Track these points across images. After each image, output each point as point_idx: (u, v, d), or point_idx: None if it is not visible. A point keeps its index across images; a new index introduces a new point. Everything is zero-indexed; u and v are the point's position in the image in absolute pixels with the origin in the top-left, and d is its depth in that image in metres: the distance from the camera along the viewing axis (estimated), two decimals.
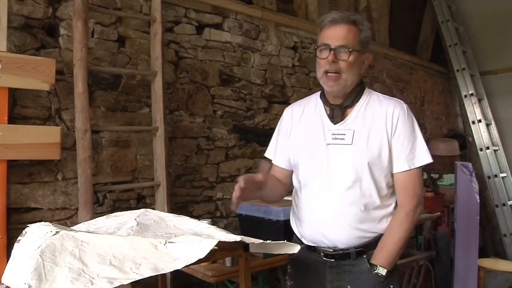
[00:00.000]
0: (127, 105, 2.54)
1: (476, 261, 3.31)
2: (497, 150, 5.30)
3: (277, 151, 1.78)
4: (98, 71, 2.38)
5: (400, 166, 1.56)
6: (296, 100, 3.44)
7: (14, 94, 2.10)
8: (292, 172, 1.74)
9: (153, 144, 2.50)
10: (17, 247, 1.08)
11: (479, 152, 5.19)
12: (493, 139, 5.34)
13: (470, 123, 5.28)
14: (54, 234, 1.06)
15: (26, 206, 2.15)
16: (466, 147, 5.38)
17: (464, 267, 3.32)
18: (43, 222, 1.17)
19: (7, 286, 0.98)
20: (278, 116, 3.34)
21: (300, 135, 1.68)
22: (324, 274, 1.60)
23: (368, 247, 1.57)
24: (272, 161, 1.80)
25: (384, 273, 1.52)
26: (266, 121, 3.31)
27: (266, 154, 1.84)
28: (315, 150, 1.61)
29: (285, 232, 2.38)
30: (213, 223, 2.28)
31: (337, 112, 1.60)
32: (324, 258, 1.59)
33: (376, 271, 1.53)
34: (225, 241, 1.14)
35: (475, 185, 3.39)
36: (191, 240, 1.10)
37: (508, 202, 5.07)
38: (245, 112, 3.18)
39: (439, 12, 5.48)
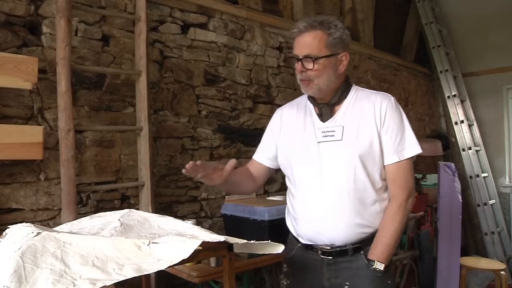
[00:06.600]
0: (111, 105, 2.51)
1: (458, 259, 3.36)
2: (479, 150, 5.39)
3: (262, 149, 1.81)
4: (82, 70, 2.36)
5: (390, 158, 1.57)
6: (281, 100, 3.51)
7: None
8: (269, 170, 1.80)
9: (138, 144, 2.49)
10: None
11: (461, 152, 5.26)
12: (475, 140, 5.41)
13: (453, 123, 5.34)
14: (36, 235, 1.04)
15: (7, 207, 2.11)
16: (449, 147, 5.45)
17: (447, 265, 3.37)
18: (24, 223, 1.16)
19: None
20: (263, 116, 3.37)
21: (291, 136, 1.69)
22: (322, 272, 1.60)
23: (365, 242, 1.57)
24: (254, 158, 1.83)
25: (382, 268, 1.52)
26: (251, 121, 3.31)
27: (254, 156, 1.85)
28: (307, 149, 1.61)
29: (270, 232, 2.39)
30: (198, 223, 2.27)
31: (326, 110, 1.62)
32: (322, 256, 1.59)
33: (374, 267, 1.52)
34: (209, 241, 1.14)
35: (458, 185, 3.44)
36: (174, 240, 1.09)
37: (489, 201, 5.16)
38: (230, 112, 3.17)
39: (423, 14, 5.54)
